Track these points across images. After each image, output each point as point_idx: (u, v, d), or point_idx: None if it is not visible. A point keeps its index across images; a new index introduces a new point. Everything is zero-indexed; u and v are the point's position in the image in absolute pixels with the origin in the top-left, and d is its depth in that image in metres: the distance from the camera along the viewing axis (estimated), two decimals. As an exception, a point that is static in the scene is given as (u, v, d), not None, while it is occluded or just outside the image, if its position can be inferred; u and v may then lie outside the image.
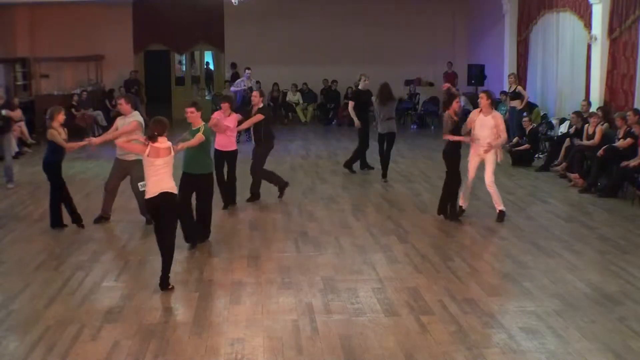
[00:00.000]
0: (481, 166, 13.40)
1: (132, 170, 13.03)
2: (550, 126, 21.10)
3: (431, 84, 30.03)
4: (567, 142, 17.96)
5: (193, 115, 11.60)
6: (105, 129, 23.15)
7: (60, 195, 13.12)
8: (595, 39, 18.70)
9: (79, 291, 9.84)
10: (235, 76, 28.02)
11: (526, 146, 19.28)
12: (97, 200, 13.73)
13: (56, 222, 13.12)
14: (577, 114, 17.93)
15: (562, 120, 20.39)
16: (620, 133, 15.95)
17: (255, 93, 15.02)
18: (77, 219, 13.17)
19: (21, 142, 21.35)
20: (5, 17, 27.31)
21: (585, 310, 8.92)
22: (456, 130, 13.10)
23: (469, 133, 13.28)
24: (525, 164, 18.92)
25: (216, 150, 13.93)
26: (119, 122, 13.19)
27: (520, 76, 23.75)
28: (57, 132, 12.90)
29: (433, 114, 27.66)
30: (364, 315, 8.83)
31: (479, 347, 7.86)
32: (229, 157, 14.18)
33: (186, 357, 7.75)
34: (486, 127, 13.06)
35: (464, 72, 27.64)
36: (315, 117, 30.03)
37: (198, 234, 11.82)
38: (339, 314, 8.88)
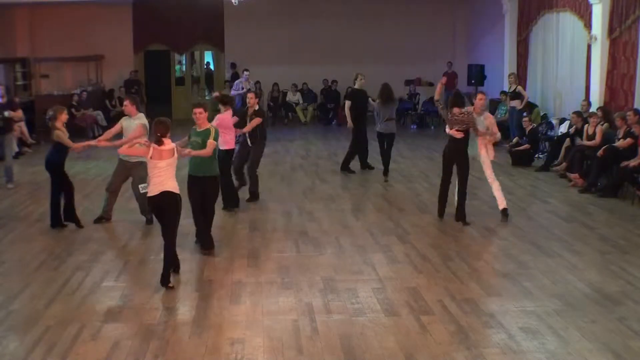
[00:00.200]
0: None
1: (134, 172, 13.06)
2: (550, 126, 21.10)
3: (431, 84, 30.01)
4: (567, 142, 17.97)
5: (202, 116, 11.30)
6: (105, 129, 23.10)
7: (60, 195, 13.12)
8: (595, 39, 18.70)
9: (79, 291, 9.84)
10: (235, 76, 28.04)
11: (526, 146, 19.28)
12: (97, 200, 13.74)
13: (56, 222, 13.13)
14: (577, 113, 17.93)
15: (562, 120, 20.38)
16: (620, 133, 15.95)
17: (250, 95, 14.96)
18: (70, 219, 13.19)
19: (21, 142, 21.33)
20: (5, 17, 27.30)
21: (585, 310, 8.92)
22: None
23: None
24: (525, 164, 18.92)
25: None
26: (123, 122, 13.12)
27: (520, 76, 23.75)
28: (63, 132, 12.85)
29: (433, 113, 27.63)
30: (364, 315, 8.83)
31: (478, 347, 7.86)
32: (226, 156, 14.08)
33: (186, 357, 7.75)
34: (480, 126, 13.11)
35: (464, 72, 27.64)
36: (315, 117, 30.02)
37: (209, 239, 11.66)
38: (339, 314, 8.88)
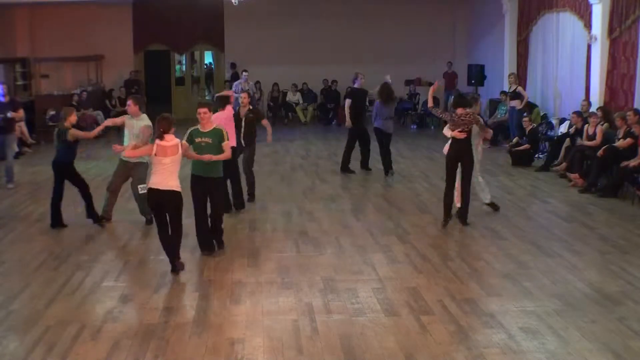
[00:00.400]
0: None
1: (134, 172, 13.07)
2: (550, 126, 21.10)
3: (431, 84, 29.91)
4: (567, 142, 17.97)
5: (207, 116, 11.02)
6: (105, 129, 23.12)
7: (61, 195, 13.13)
8: (595, 39, 18.70)
9: (79, 291, 9.85)
10: (235, 76, 28.03)
11: (526, 146, 19.27)
12: (98, 200, 13.69)
13: (56, 222, 13.13)
14: (577, 113, 17.93)
15: (562, 120, 20.38)
16: (620, 133, 15.94)
17: (244, 94, 14.95)
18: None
19: (21, 142, 21.32)
20: (5, 17, 27.32)
21: (585, 310, 8.92)
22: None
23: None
24: (525, 164, 18.92)
25: None
26: (127, 120, 13.12)
27: (520, 76, 23.75)
28: (75, 130, 12.88)
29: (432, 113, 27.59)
30: (364, 315, 8.83)
31: (478, 347, 7.86)
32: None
33: (186, 357, 7.75)
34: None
35: (464, 72, 27.64)
36: (315, 117, 30.03)
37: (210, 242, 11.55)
38: (339, 314, 8.88)
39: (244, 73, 24.83)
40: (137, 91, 27.13)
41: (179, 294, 9.85)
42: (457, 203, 13.47)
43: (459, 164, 12.95)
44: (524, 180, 17.22)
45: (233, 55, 29.75)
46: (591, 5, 18.84)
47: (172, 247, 10.54)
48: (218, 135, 11.02)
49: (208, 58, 33.44)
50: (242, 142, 14.66)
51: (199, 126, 11.05)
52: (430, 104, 13.85)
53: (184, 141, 10.79)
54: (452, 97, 25.37)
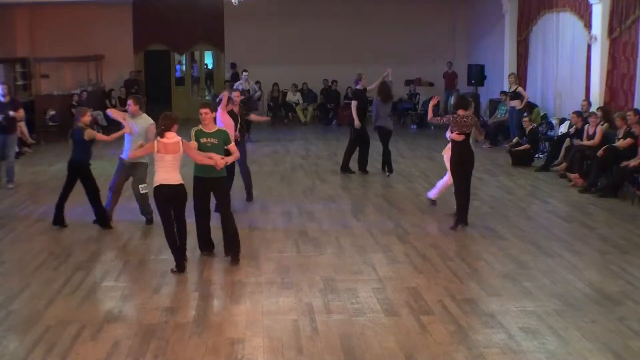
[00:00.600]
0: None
1: (134, 172, 13.07)
2: (550, 126, 21.11)
3: (431, 84, 30.03)
4: (567, 142, 17.97)
5: (208, 116, 10.83)
6: (106, 129, 23.22)
7: (68, 196, 13.13)
8: (595, 39, 18.70)
9: (79, 291, 9.84)
10: (235, 76, 28.06)
11: (526, 146, 19.27)
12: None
13: (58, 221, 13.12)
14: (578, 113, 17.92)
15: (562, 120, 20.39)
16: (620, 133, 15.94)
17: (236, 93, 14.92)
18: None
19: (21, 142, 21.31)
20: (5, 17, 27.32)
21: (585, 310, 8.92)
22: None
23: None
24: (525, 164, 18.91)
25: None
26: (129, 120, 13.11)
27: (520, 76, 23.76)
28: (92, 131, 12.85)
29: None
30: (364, 315, 8.83)
31: (479, 347, 7.86)
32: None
33: (186, 357, 7.75)
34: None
35: (464, 72, 27.65)
36: (315, 117, 30.02)
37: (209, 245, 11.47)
38: (339, 314, 8.88)
39: (244, 73, 24.85)
40: (137, 91, 27.14)
41: (179, 294, 9.86)
42: (434, 196, 13.54)
43: (464, 166, 12.91)
44: (524, 180, 17.22)
45: (233, 55, 29.75)
46: (591, 5, 18.85)
47: (181, 244, 10.69)
48: (223, 136, 10.92)
49: (208, 58, 33.44)
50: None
51: (201, 127, 10.90)
52: (430, 116, 13.70)
53: (192, 142, 10.72)
54: (452, 97, 25.60)
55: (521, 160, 19.06)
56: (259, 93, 27.42)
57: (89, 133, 12.71)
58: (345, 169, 18.18)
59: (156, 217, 12.89)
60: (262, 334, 8.30)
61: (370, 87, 18.25)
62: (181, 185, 10.53)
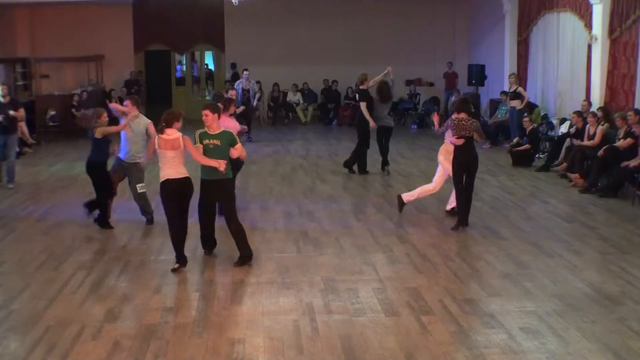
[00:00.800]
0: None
1: (131, 172, 13.08)
2: (551, 126, 21.11)
3: (432, 84, 30.04)
4: (567, 142, 17.96)
5: (208, 118, 10.58)
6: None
7: (109, 194, 13.11)
8: (596, 39, 18.70)
9: (80, 291, 9.84)
10: (235, 76, 28.08)
11: (526, 146, 19.27)
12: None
13: (105, 222, 13.13)
14: (578, 113, 17.90)
15: (562, 120, 20.39)
16: (621, 133, 15.94)
17: (232, 92, 14.91)
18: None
19: (22, 142, 21.32)
20: (6, 17, 27.34)
21: (586, 310, 8.92)
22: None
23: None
24: (525, 164, 18.91)
25: None
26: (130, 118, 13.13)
27: (521, 76, 23.76)
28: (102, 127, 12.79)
29: (433, 113, 27.61)
30: (365, 316, 8.83)
31: (479, 347, 7.86)
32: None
33: (186, 357, 7.75)
34: None
35: (465, 72, 27.64)
36: (315, 117, 30.03)
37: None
38: (340, 314, 8.88)
39: (244, 72, 24.84)
40: (137, 91, 27.18)
41: (179, 294, 9.86)
42: (450, 205, 13.52)
43: (467, 169, 12.86)
44: (525, 180, 17.21)
45: (233, 55, 29.76)
46: (592, 5, 18.85)
47: (183, 239, 10.80)
48: (228, 138, 10.71)
49: (208, 58, 33.43)
50: None
51: (206, 129, 10.74)
52: (437, 127, 13.52)
53: (197, 144, 10.68)
54: (453, 97, 25.59)
55: (521, 160, 19.06)
56: (258, 94, 27.41)
57: (99, 130, 12.68)
58: (348, 165, 18.13)
59: (157, 217, 12.98)
60: (263, 334, 8.30)
61: (370, 85, 18.20)
62: (186, 179, 10.62)
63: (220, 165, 10.48)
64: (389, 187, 16.62)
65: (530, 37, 24.16)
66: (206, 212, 11.09)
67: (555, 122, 21.07)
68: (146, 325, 8.61)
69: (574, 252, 11.39)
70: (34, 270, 10.80)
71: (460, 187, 12.83)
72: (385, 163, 18.19)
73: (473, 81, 26.44)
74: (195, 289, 9.98)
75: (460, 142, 12.60)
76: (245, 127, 13.95)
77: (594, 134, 16.79)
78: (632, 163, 14.85)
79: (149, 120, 13.05)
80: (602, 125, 16.81)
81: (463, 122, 12.63)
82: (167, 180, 10.55)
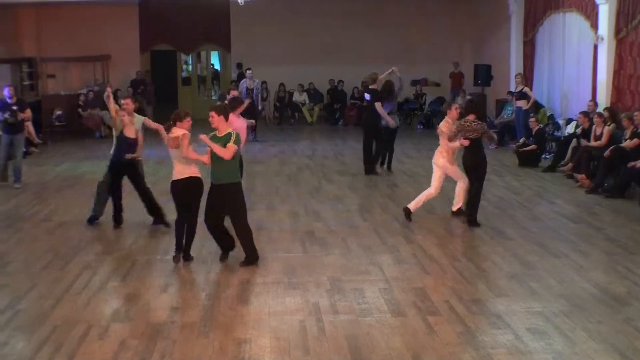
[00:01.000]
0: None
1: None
2: (557, 126, 21.08)
3: (438, 85, 30.01)
4: (574, 142, 17.94)
5: (214, 120, 10.50)
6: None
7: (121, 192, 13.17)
8: (602, 39, 18.66)
9: (86, 291, 9.85)
10: (241, 76, 28.05)
11: (533, 147, 19.25)
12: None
13: (120, 221, 13.20)
14: (584, 114, 17.86)
15: (568, 121, 20.36)
16: (627, 134, 15.92)
17: (234, 92, 14.93)
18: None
19: (28, 142, 21.33)
20: (12, 17, 27.38)
21: (592, 311, 8.91)
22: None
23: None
24: (531, 164, 18.89)
25: None
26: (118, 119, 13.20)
27: (527, 76, 23.73)
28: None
29: (439, 114, 27.59)
30: (371, 316, 8.83)
31: (485, 347, 7.86)
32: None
33: (193, 357, 7.75)
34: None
35: (471, 72, 27.62)
36: (321, 118, 30.02)
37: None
38: (346, 314, 8.88)
39: (247, 71, 24.83)
40: (143, 91, 27.27)
41: (185, 293, 9.88)
42: (456, 206, 13.52)
43: (473, 170, 12.91)
44: (531, 180, 17.20)
45: (239, 55, 29.76)
46: (597, 5, 18.81)
47: (186, 242, 10.97)
48: (227, 138, 10.57)
49: (214, 58, 33.46)
50: None
51: (216, 131, 10.66)
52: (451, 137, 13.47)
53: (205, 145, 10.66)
54: (458, 97, 25.60)
55: (528, 160, 19.04)
56: (264, 94, 27.40)
57: (114, 124, 12.75)
58: (371, 169, 18.08)
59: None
60: (269, 334, 8.30)
61: (373, 86, 18.16)
62: (189, 179, 10.73)
63: (204, 158, 10.68)
64: (395, 187, 16.62)
65: (536, 37, 24.14)
66: (213, 223, 10.84)
67: (561, 122, 21.04)
68: (153, 324, 8.61)
69: (581, 252, 11.37)
70: (40, 270, 10.81)
71: (469, 183, 12.99)
72: (389, 162, 18.24)
73: (479, 81, 26.44)
74: (202, 288, 9.99)
75: (466, 143, 12.65)
76: (253, 120, 13.98)
77: (601, 134, 16.75)
78: (639, 163, 14.83)
79: (143, 117, 13.43)
80: (609, 125, 16.79)
81: (467, 123, 12.66)
82: (172, 181, 10.82)
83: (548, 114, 22.09)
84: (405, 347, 7.90)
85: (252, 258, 10.88)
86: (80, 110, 25.23)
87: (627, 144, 15.70)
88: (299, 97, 29.83)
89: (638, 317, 8.69)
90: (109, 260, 11.27)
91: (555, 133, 20.74)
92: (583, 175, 16.27)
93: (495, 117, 24.76)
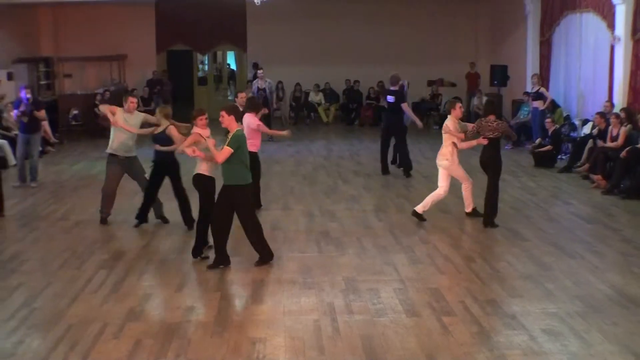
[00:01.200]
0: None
1: (130, 167, 13.34)
2: (573, 127, 21.00)
3: (454, 85, 29.94)
4: (590, 143, 17.88)
5: (224, 119, 10.44)
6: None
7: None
8: (619, 39, 18.58)
9: (101, 290, 9.88)
10: (257, 76, 28.08)
11: (549, 147, 19.20)
12: (118, 200, 13.78)
13: (143, 219, 13.26)
14: (601, 114, 17.80)
15: (585, 122, 20.30)
16: (644, 134, 15.88)
17: (242, 95, 14.90)
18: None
19: (44, 142, 21.42)
20: (29, 17, 27.52)
21: (608, 312, 8.88)
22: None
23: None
24: (547, 165, 18.85)
25: None
26: (118, 115, 13.26)
27: (543, 77, 23.65)
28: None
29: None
30: (386, 316, 8.83)
31: (500, 348, 7.84)
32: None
33: (207, 356, 7.77)
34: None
35: (487, 72, 27.55)
36: (337, 118, 30.00)
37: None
38: (361, 314, 8.88)
39: (259, 71, 24.81)
40: (160, 91, 27.35)
41: (200, 293, 9.89)
42: (468, 208, 13.51)
43: (485, 168, 12.98)
44: (547, 181, 17.16)
45: (255, 55, 29.76)
46: (614, 5, 18.73)
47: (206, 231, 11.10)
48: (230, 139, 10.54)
49: (230, 58, 33.50)
50: None
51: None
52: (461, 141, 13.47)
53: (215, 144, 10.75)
54: (475, 97, 25.58)
55: (544, 161, 19.00)
56: (280, 93, 27.40)
57: (170, 129, 12.59)
58: (409, 168, 18.15)
59: (172, 217, 13.07)
60: (284, 333, 8.31)
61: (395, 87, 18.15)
62: (196, 175, 10.98)
63: (194, 151, 10.74)
64: (410, 187, 16.61)
65: (552, 37, 24.05)
66: (221, 226, 10.68)
67: (577, 123, 20.97)
68: (167, 324, 8.64)
69: (596, 253, 11.34)
70: (56, 268, 10.85)
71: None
72: (396, 160, 18.51)
73: (495, 82, 26.35)
74: (217, 288, 9.99)
75: (485, 142, 12.69)
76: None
77: (617, 135, 16.69)
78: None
79: (142, 114, 13.70)
80: (625, 126, 16.72)
81: (489, 123, 12.74)
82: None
83: (564, 114, 22.01)
84: (420, 347, 7.89)
85: (266, 257, 10.87)
86: (96, 109, 25.28)
87: (643, 144, 15.66)
88: (315, 97, 29.82)
89: (654, 318, 8.67)
90: (125, 259, 11.30)
91: (572, 134, 20.66)
92: (599, 176, 16.22)
93: (511, 117, 24.69)
